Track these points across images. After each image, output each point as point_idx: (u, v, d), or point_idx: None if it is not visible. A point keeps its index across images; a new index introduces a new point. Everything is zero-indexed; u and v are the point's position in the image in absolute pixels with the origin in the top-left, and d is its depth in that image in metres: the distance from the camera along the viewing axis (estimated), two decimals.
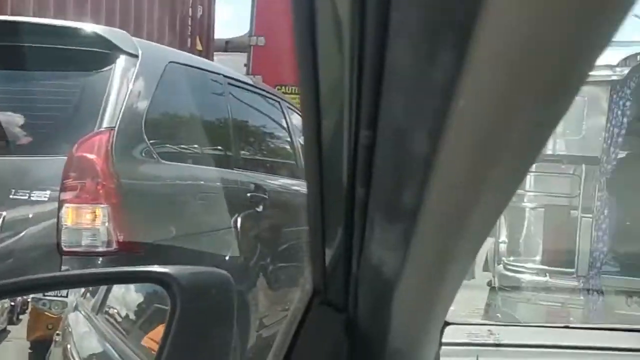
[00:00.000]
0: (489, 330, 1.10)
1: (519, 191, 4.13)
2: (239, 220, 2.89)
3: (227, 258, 2.76)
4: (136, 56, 2.56)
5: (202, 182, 2.87)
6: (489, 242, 5.54)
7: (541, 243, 4.13)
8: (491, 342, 1.07)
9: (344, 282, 0.60)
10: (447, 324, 1.13)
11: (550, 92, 0.35)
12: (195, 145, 2.94)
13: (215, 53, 7.71)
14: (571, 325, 1.27)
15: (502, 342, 1.07)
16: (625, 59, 3.73)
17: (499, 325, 1.15)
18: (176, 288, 0.73)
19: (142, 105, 2.54)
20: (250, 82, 3.97)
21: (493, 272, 4.44)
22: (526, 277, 4.07)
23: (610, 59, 3.76)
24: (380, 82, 0.40)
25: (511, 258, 4.25)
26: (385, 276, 0.54)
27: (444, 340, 1.06)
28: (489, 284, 4.40)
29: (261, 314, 2.99)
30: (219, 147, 3.14)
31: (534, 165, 3.46)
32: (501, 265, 4.26)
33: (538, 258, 4.12)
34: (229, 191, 2.94)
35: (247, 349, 2.67)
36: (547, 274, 4.00)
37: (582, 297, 3.94)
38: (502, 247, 4.39)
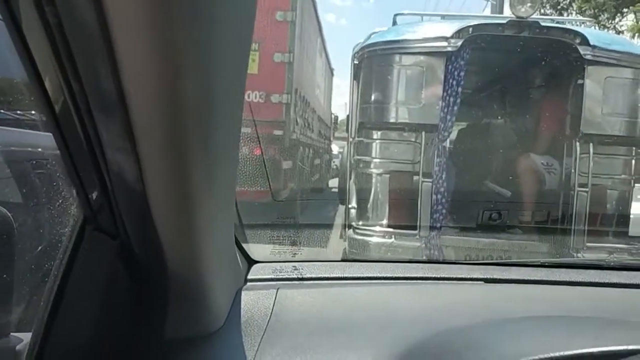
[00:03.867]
0: (293, 266, 1.17)
1: (366, 158, 4.32)
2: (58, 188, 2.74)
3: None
4: None
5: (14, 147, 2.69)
6: (341, 210, 5.74)
7: (387, 207, 4.32)
8: (294, 276, 1.14)
9: (108, 205, 0.62)
10: (254, 262, 1.18)
11: None
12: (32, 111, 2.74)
13: None
14: (372, 259, 1.36)
15: (304, 276, 1.15)
16: (458, 31, 3.95)
17: (305, 262, 1.23)
18: None
19: None
20: None
21: (344, 238, 4.62)
22: (374, 240, 4.25)
23: (445, 32, 3.99)
24: None
25: (360, 222, 4.42)
26: (132, 186, 0.56)
27: (249, 277, 1.11)
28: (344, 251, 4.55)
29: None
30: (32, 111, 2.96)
31: (379, 133, 3.62)
32: (351, 230, 4.43)
33: (384, 221, 4.31)
34: (44, 156, 2.78)
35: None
36: (392, 236, 4.20)
37: (424, 257, 4.19)
38: (352, 212, 4.56)
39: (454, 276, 1.19)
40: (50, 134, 0.59)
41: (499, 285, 1.16)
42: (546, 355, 0.73)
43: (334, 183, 11.30)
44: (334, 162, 14.43)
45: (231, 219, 0.79)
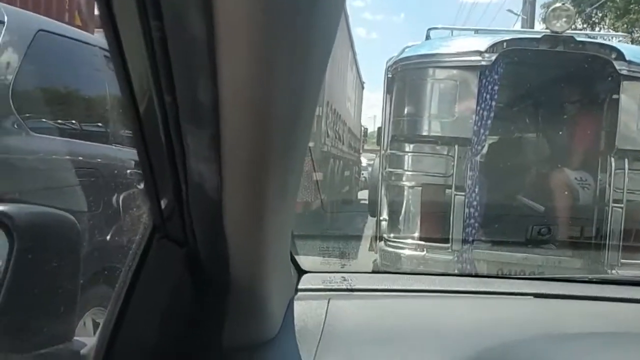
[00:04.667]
0: (342, 277, 1.19)
1: (398, 170, 4.32)
2: (121, 198, 2.82)
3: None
4: (1, 22, 2.41)
5: (80, 158, 2.77)
6: (371, 222, 5.75)
7: (419, 220, 4.31)
8: (344, 287, 1.16)
9: (180, 214, 0.64)
10: (303, 272, 1.21)
11: None
12: (73, 120, 2.83)
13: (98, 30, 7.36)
14: (420, 272, 1.38)
15: (354, 287, 1.17)
16: (493, 46, 3.96)
17: (353, 273, 1.26)
18: (12, 226, 0.73)
19: (8, 76, 2.40)
20: None
21: (375, 250, 4.62)
22: (405, 252, 4.24)
23: (479, 46, 4.00)
24: None
25: (391, 235, 4.42)
26: (210, 194, 0.58)
27: (300, 287, 1.14)
28: (374, 262, 4.55)
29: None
30: (98, 123, 3.05)
31: (412, 146, 3.62)
32: (382, 242, 4.43)
33: (416, 234, 4.30)
34: (108, 167, 2.86)
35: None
36: (424, 249, 4.19)
37: (456, 271, 4.17)
38: (384, 224, 4.57)
39: (504, 290, 1.21)
40: (128, 148, 0.62)
41: (549, 301, 1.17)
42: None
43: (363, 195, 11.30)
44: (363, 174, 14.44)
45: (290, 229, 0.82)
